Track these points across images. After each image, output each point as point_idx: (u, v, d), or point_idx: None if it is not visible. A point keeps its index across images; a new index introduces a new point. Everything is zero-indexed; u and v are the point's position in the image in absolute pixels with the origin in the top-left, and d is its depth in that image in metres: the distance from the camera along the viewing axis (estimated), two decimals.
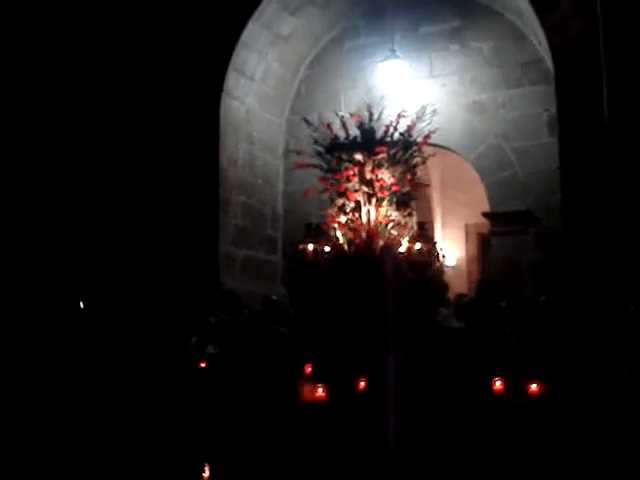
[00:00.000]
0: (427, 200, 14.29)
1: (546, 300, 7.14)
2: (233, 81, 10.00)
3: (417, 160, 7.96)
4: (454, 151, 10.31)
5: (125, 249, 9.78)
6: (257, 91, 10.46)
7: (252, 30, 9.84)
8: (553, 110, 8.87)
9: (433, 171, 14.36)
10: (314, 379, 6.39)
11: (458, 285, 10.40)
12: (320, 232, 7.93)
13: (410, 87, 9.99)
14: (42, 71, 10.47)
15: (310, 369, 6.62)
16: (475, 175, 10.27)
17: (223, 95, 9.85)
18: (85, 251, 9.95)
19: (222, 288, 9.13)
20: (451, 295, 8.14)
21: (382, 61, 9.56)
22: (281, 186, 10.96)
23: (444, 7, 10.31)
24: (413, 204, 7.92)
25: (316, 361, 6.64)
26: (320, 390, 6.21)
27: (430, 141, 10.02)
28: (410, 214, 7.86)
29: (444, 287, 7.79)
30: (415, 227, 7.81)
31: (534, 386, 5.68)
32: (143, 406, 6.39)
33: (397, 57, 9.45)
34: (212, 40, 9.76)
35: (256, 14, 9.71)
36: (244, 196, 10.35)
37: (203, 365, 6.89)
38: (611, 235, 7.10)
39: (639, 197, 6.69)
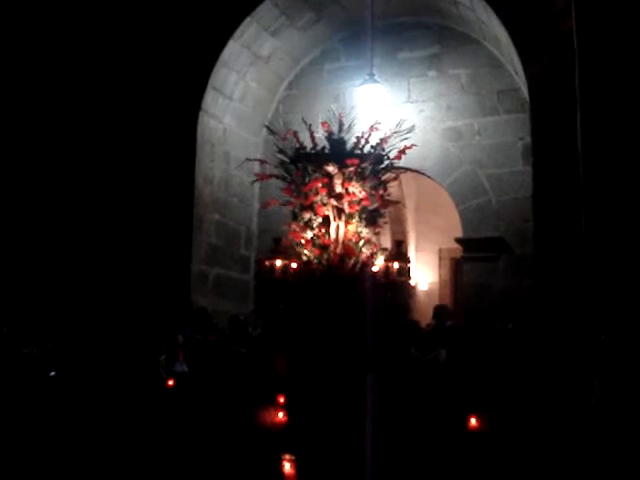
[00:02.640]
0: (402, 223, 14.37)
1: (512, 328, 7.17)
2: (211, 100, 10.00)
3: (389, 175, 7.70)
4: (429, 176, 10.37)
5: (97, 265, 9.68)
6: (235, 110, 10.47)
7: (232, 49, 9.87)
8: (528, 139, 8.97)
9: (408, 195, 14.48)
10: (284, 408, 6.19)
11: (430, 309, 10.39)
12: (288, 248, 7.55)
13: (388, 112, 10.04)
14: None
15: (283, 399, 6.36)
16: (449, 200, 10.33)
17: (201, 113, 9.84)
18: (56, 267, 9.83)
19: (193, 306, 9.06)
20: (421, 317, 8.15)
21: (360, 85, 9.60)
22: (256, 205, 10.94)
23: (423, 34, 10.44)
24: (381, 221, 7.67)
25: (284, 384, 6.46)
26: (280, 415, 6.03)
27: (406, 166, 10.18)
28: (378, 232, 7.61)
29: (408, 308, 7.52)
30: (389, 245, 7.62)
31: (473, 420, 5.58)
32: (113, 422, 6.33)
33: (376, 81, 9.48)
34: (192, 58, 9.77)
35: (236, 34, 9.74)
36: (219, 215, 10.32)
37: (171, 383, 6.83)
38: (582, 264, 7.15)
39: (611, 227, 6.75)
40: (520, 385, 5.98)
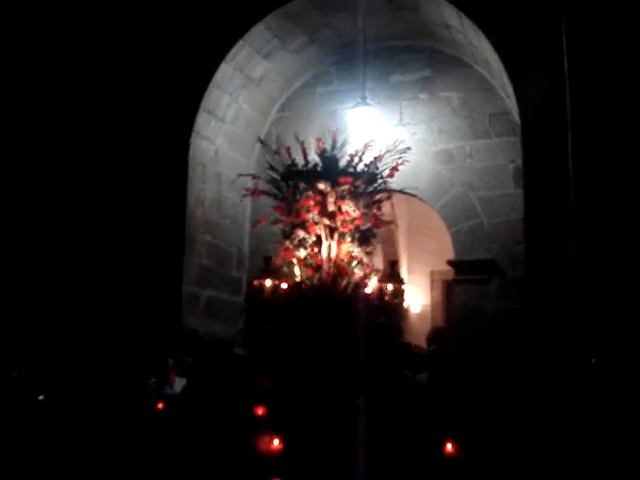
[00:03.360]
0: (393, 245, 14.38)
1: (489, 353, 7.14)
2: (204, 121, 10.01)
3: (382, 195, 7.62)
4: (421, 199, 10.39)
5: (88, 285, 9.63)
6: (227, 132, 10.49)
7: (224, 72, 9.90)
8: (519, 161, 9.00)
9: (400, 217, 14.51)
10: (271, 429, 6.04)
11: (423, 331, 10.37)
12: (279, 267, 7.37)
13: (380, 134, 10.08)
14: None
15: (261, 411, 6.19)
16: (441, 223, 10.35)
17: (193, 135, 9.85)
18: (45, 287, 9.77)
19: (185, 328, 9.02)
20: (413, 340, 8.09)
21: (353, 108, 9.64)
22: (248, 227, 10.93)
23: (415, 57, 10.51)
24: (374, 242, 7.53)
25: (274, 408, 6.27)
26: (276, 442, 5.85)
27: (398, 188, 10.21)
28: (371, 252, 7.49)
29: (401, 331, 7.38)
30: (381, 267, 7.50)
31: (449, 446, 5.51)
32: (103, 445, 6.27)
33: (368, 104, 9.54)
34: (184, 80, 9.79)
35: (229, 56, 9.78)
36: (210, 236, 10.29)
37: (161, 406, 6.77)
38: (573, 287, 7.16)
39: (602, 250, 6.77)
40: (501, 410, 5.94)
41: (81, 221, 9.87)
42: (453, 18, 9.18)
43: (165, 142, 9.76)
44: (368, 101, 9.62)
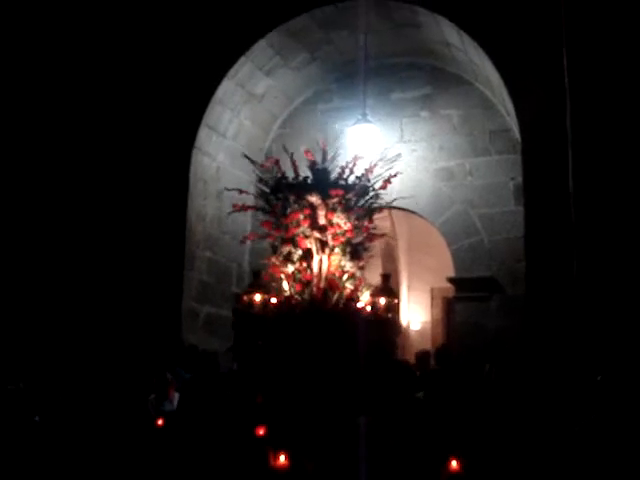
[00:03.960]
0: (394, 262, 14.39)
1: (490, 369, 7.09)
2: (205, 137, 10.04)
3: (375, 207, 7.42)
4: (421, 216, 10.40)
5: (87, 301, 9.61)
6: (228, 148, 10.52)
7: (226, 88, 9.94)
8: (519, 179, 9.01)
9: (400, 235, 14.53)
10: (275, 444, 5.89)
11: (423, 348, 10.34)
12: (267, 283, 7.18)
13: (380, 151, 10.10)
14: None
15: (262, 432, 6.03)
16: (441, 240, 10.35)
17: (194, 151, 9.87)
18: (43, 301, 9.75)
19: (184, 344, 8.99)
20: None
21: (353, 125, 9.67)
22: (248, 243, 10.92)
23: (416, 75, 10.56)
24: (366, 255, 7.34)
25: (273, 425, 6.14)
26: (282, 458, 5.69)
27: (398, 205, 10.23)
28: (363, 267, 7.26)
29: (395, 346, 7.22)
30: (378, 280, 7.18)
31: (454, 463, 5.37)
32: (101, 462, 6.23)
33: (368, 121, 9.58)
34: (186, 95, 9.82)
35: (231, 72, 9.82)
36: (210, 252, 10.29)
37: (160, 422, 6.73)
38: (574, 304, 7.14)
39: (602, 268, 6.76)
40: (503, 427, 5.90)
41: (82, 236, 9.86)
42: (453, 36, 9.23)
43: (166, 158, 9.78)
44: (369, 118, 9.67)
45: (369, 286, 7.20)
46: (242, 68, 9.91)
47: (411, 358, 8.50)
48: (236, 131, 10.59)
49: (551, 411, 6.04)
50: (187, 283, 9.70)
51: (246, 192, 7.73)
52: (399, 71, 10.62)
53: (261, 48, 9.86)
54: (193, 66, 9.83)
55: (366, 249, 7.34)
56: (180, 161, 9.79)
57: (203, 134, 9.97)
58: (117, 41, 10.17)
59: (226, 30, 9.74)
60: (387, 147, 9.84)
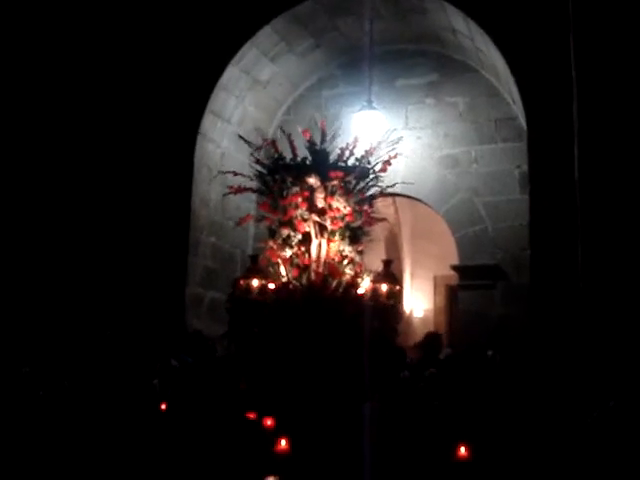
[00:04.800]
0: (397, 250, 14.38)
1: (493, 355, 7.07)
2: (210, 123, 10.01)
3: (375, 190, 7.29)
4: (426, 203, 10.39)
5: (92, 285, 9.62)
6: (233, 134, 10.46)
7: (231, 74, 9.90)
8: (524, 167, 8.99)
9: (404, 222, 14.51)
10: (276, 430, 5.89)
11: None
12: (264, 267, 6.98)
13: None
14: None
15: (270, 422, 5.97)
16: (445, 228, 10.33)
17: (199, 137, 9.84)
18: (49, 286, 9.76)
19: (188, 330, 9.00)
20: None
21: (359, 111, 9.64)
22: (252, 229, 10.91)
23: (421, 62, 10.51)
24: (365, 240, 7.21)
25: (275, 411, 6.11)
26: (283, 442, 5.72)
27: (402, 192, 10.22)
28: (361, 251, 7.14)
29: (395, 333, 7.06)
30: (380, 265, 7.11)
31: (462, 449, 5.38)
32: (105, 445, 6.24)
33: (374, 108, 9.54)
34: (191, 81, 9.79)
35: (236, 58, 9.78)
36: (214, 237, 10.29)
37: (164, 407, 6.75)
38: (578, 292, 7.14)
39: (607, 255, 6.75)
40: (508, 414, 5.90)
41: (87, 222, 9.87)
42: (460, 23, 9.18)
43: (171, 144, 9.76)
44: (374, 105, 9.63)
45: (370, 272, 7.08)
46: (247, 54, 9.86)
47: (414, 345, 8.50)
48: (241, 117, 10.56)
49: (556, 399, 6.05)
50: (191, 269, 9.72)
51: (242, 174, 7.59)
52: (404, 58, 10.56)
53: (266, 34, 9.81)
54: (198, 52, 9.79)
55: (365, 233, 7.22)
56: (185, 147, 9.77)
57: (208, 120, 9.94)
58: (122, 29, 10.13)
59: (231, 16, 9.70)
60: (391, 132, 9.86)
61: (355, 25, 9.92)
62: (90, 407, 6.82)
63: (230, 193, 7.68)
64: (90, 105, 10.14)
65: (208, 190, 10.13)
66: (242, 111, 10.54)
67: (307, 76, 10.99)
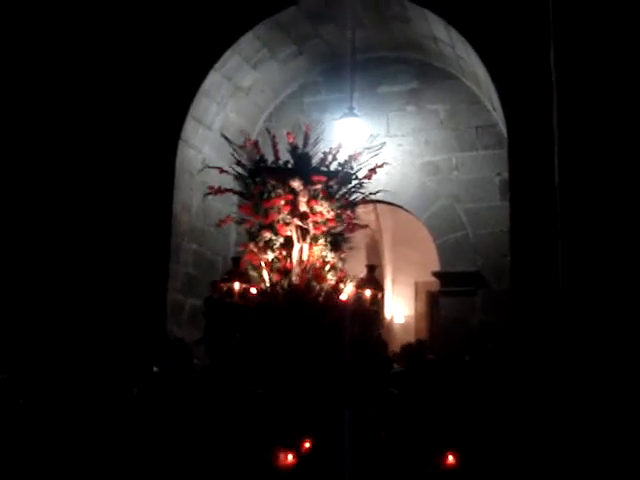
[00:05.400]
0: (378, 256, 14.43)
1: (471, 360, 7.06)
2: (191, 129, 9.98)
3: (357, 196, 7.23)
4: (407, 210, 10.43)
5: (71, 291, 9.55)
6: (215, 140, 10.45)
7: (213, 80, 9.89)
8: (505, 174, 9.04)
9: (385, 229, 14.57)
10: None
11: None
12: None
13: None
14: None
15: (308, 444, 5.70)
16: (426, 234, 10.38)
17: (180, 143, 9.80)
18: (26, 292, 9.68)
19: (170, 337, 8.95)
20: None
21: (340, 118, 9.66)
22: (234, 235, 10.89)
23: (403, 69, 10.56)
24: (346, 247, 7.18)
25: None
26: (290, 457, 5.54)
27: (384, 199, 10.24)
28: (343, 258, 7.10)
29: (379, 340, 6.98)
30: (362, 272, 7.07)
31: (450, 458, 5.36)
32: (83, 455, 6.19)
33: (355, 115, 9.56)
34: (173, 87, 9.76)
35: (218, 64, 9.75)
36: (196, 244, 10.26)
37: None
38: (559, 299, 7.18)
39: (588, 263, 6.79)
40: (490, 420, 5.91)
41: (68, 227, 9.79)
42: (441, 31, 9.23)
43: (152, 150, 9.72)
44: (356, 112, 9.65)
45: (353, 278, 7.06)
46: (229, 60, 9.86)
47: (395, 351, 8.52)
48: (222, 124, 10.54)
49: (536, 405, 6.08)
50: (172, 275, 9.66)
51: (226, 171, 7.53)
52: (386, 65, 10.61)
53: (248, 40, 9.80)
54: (180, 58, 9.77)
55: (346, 240, 7.20)
56: (166, 153, 9.72)
57: (189, 126, 9.91)
58: (105, 34, 10.08)
59: (213, 22, 9.68)
60: (374, 139, 9.87)
61: (337, 32, 9.95)
62: (69, 414, 6.76)
63: (210, 194, 7.64)
64: (72, 110, 10.07)
65: (190, 196, 10.10)
66: (224, 117, 10.53)
67: (289, 83, 11.00)
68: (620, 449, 4.76)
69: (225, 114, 10.53)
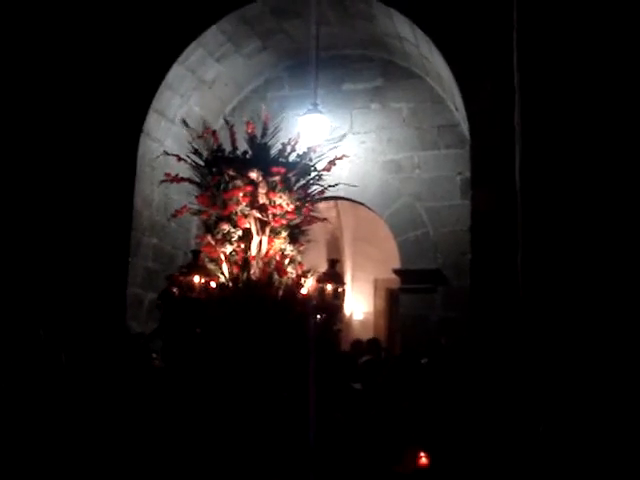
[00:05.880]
0: (338, 253, 14.47)
1: (427, 362, 7.12)
2: (154, 122, 9.90)
3: (315, 189, 7.11)
4: (369, 207, 10.48)
5: (28, 284, 9.40)
6: (177, 134, 10.35)
7: (176, 73, 9.81)
8: (466, 174, 9.17)
9: (346, 226, 14.62)
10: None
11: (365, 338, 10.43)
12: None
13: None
14: None
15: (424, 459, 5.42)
16: (387, 231, 10.45)
17: (142, 135, 9.71)
18: None
19: (129, 332, 8.86)
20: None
21: (304, 114, 9.65)
22: (194, 230, 10.82)
23: (368, 67, 10.62)
24: (303, 240, 7.04)
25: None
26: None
27: (346, 196, 10.29)
28: (301, 251, 6.97)
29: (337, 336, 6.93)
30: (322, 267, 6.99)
31: (423, 458, 5.25)
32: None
33: (319, 112, 9.55)
34: (135, 80, 9.66)
35: (181, 57, 9.68)
36: (156, 238, 10.18)
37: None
38: (518, 296, 7.29)
39: (547, 261, 6.90)
40: (450, 420, 5.95)
41: (26, 219, 9.63)
42: (406, 30, 9.30)
43: (114, 142, 9.60)
44: (319, 108, 9.64)
45: (314, 272, 6.99)
46: (193, 53, 9.79)
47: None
48: (185, 117, 10.38)
49: (495, 403, 6.16)
50: (132, 270, 9.58)
51: (184, 159, 7.22)
52: (351, 62, 10.67)
53: (213, 34, 9.75)
54: (143, 50, 9.66)
55: (303, 233, 7.09)
56: (127, 146, 9.62)
57: (152, 119, 9.83)
58: (66, 25, 9.91)
59: (178, 15, 9.61)
60: (334, 130, 9.83)
61: (302, 28, 9.93)
62: (21, 410, 6.64)
63: (166, 181, 7.35)
64: (33, 101, 9.90)
65: (151, 190, 10.01)
66: (187, 110, 10.43)
67: (253, 78, 10.98)
68: (583, 445, 4.85)
69: (188, 107, 10.45)
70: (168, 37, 9.63)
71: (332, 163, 7.21)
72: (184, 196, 10.04)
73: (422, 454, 5.20)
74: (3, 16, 9.98)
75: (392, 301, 13.64)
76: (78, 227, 9.51)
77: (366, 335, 12.16)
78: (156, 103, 9.80)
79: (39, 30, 9.98)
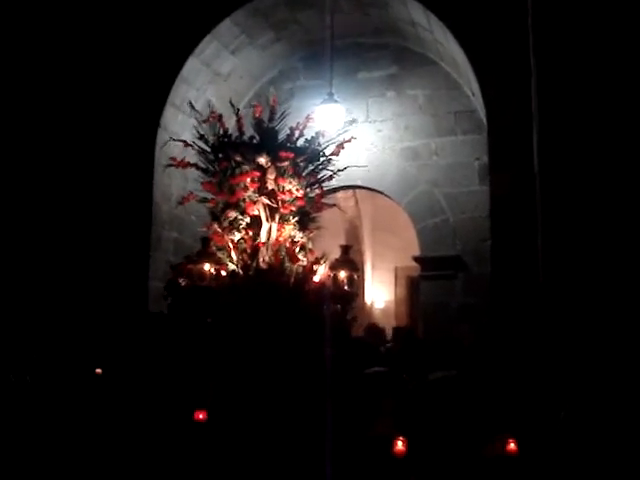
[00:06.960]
0: (358, 243, 14.48)
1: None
2: (170, 116, 9.94)
3: (325, 174, 7.00)
4: (387, 195, 10.46)
5: (52, 282, 9.50)
6: (194, 127, 10.40)
7: (192, 66, 9.85)
8: (484, 159, 9.12)
9: (365, 214, 14.61)
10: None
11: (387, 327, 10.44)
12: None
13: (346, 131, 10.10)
14: None
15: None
16: (406, 219, 10.43)
17: (160, 130, 9.76)
18: (12, 285, 9.60)
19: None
20: None
21: (320, 104, 9.64)
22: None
23: (382, 54, 10.58)
24: (312, 226, 6.92)
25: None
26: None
27: (364, 185, 10.30)
28: (311, 238, 6.85)
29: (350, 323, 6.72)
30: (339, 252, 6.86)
31: (512, 444, 5.06)
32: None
33: (335, 101, 9.54)
34: (151, 74, 9.71)
35: (197, 51, 9.72)
36: (176, 232, 10.24)
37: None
38: (539, 282, 7.26)
39: (567, 247, 6.88)
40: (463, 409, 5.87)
41: (48, 217, 9.72)
42: (420, 16, 9.25)
43: (132, 137, 9.66)
44: (335, 98, 9.64)
45: (327, 258, 6.88)
46: (208, 47, 9.82)
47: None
48: (201, 110, 10.42)
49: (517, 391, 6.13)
50: (153, 264, 9.65)
51: (191, 145, 7.24)
52: (365, 51, 10.63)
53: (227, 27, 9.77)
54: (159, 44, 9.71)
55: (312, 220, 7.00)
56: (145, 140, 9.67)
57: (168, 113, 9.87)
58: (83, 22, 9.97)
59: (192, 8, 9.63)
60: (353, 127, 9.84)
61: (316, 18, 9.92)
62: (45, 401, 6.72)
63: (171, 165, 7.29)
64: (51, 99, 9.98)
65: (169, 184, 10.06)
66: (203, 104, 10.46)
67: (268, 69, 10.98)
68: (604, 438, 4.83)
69: (204, 100, 10.47)
70: (183, 30, 9.66)
71: (341, 146, 7.11)
72: (203, 191, 10.13)
73: (510, 440, 5.15)
74: (24, 12, 10.06)
75: (413, 289, 13.61)
76: (99, 223, 9.59)
77: (388, 324, 12.18)
78: (173, 97, 9.84)
79: (58, 26, 10.05)
